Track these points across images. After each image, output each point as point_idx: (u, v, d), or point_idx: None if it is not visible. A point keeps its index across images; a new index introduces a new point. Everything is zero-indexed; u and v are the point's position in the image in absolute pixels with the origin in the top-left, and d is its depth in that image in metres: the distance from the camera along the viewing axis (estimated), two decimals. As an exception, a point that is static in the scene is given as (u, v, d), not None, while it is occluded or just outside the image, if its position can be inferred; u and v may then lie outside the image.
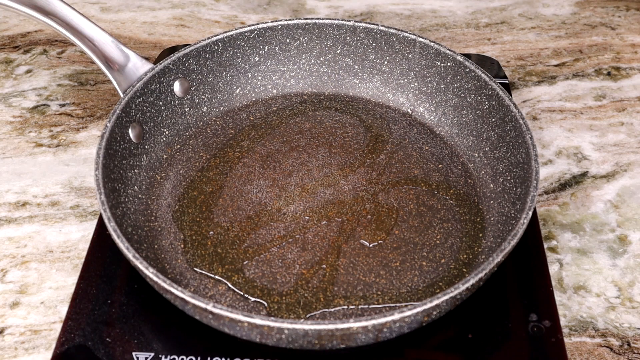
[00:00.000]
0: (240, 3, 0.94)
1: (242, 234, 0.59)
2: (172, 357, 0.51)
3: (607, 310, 0.57)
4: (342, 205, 0.62)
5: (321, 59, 0.73)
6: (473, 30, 0.89)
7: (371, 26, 0.70)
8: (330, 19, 0.71)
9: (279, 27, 0.71)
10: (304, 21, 0.71)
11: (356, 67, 0.73)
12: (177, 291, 0.47)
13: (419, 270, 0.56)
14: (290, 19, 0.71)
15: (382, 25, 0.70)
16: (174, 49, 0.77)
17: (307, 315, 0.53)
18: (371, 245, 0.58)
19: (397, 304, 0.54)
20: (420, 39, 0.69)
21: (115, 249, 0.53)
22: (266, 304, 0.54)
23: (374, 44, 0.71)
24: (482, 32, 0.89)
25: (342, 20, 0.71)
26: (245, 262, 0.57)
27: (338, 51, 0.72)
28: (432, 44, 0.68)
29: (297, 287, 0.55)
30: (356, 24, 0.71)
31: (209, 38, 0.69)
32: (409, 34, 0.69)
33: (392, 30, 0.70)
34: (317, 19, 0.71)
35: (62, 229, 0.63)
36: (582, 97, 0.78)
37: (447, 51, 0.67)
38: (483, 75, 0.64)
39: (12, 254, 0.61)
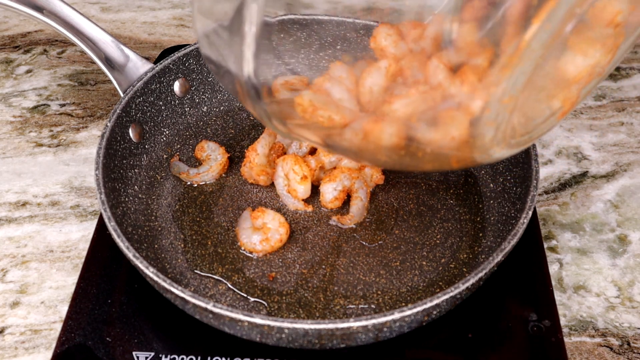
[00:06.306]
0: (240, 3, 0.93)
1: (242, 234, 0.59)
2: (172, 356, 0.51)
3: (607, 310, 0.57)
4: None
5: (320, 54, 0.73)
6: (473, 30, 0.89)
7: (372, 23, 0.70)
8: (329, 15, 0.71)
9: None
10: (302, 17, 0.71)
11: (356, 66, 0.73)
12: (177, 291, 0.47)
13: (419, 269, 0.56)
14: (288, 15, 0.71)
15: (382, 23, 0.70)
16: (174, 49, 0.77)
17: (307, 315, 0.53)
18: (371, 245, 0.58)
19: (397, 304, 0.54)
20: None
21: (116, 249, 0.53)
22: (266, 304, 0.54)
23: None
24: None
25: (342, 17, 0.71)
26: (245, 262, 0.57)
27: (338, 47, 0.72)
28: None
29: (297, 287, 0.55)
30: (356, 20, 0.71)
31: (209, 38, 0.69)
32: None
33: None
34: (316, 15, 0.71)
35: (62, 228, 0.63)
36: (582, 97, 0.78)
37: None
38: (483, 75, 0.64)
39: (12, 253, 0.61)
